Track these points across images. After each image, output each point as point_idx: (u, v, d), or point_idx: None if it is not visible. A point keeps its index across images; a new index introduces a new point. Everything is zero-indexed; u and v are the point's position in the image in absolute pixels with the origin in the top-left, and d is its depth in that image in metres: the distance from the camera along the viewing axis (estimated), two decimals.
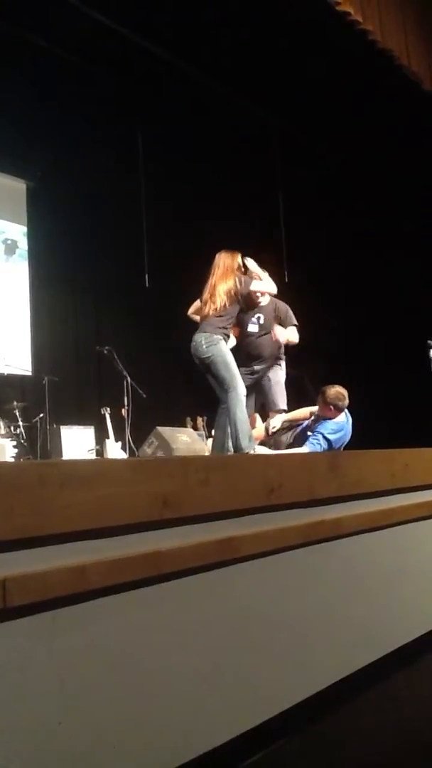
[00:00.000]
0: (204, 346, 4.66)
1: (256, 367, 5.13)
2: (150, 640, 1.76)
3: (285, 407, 5.14)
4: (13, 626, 1.47)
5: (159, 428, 5.87)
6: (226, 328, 4.77)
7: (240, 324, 5.07)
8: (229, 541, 2.00)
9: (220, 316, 4.73)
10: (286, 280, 8.30)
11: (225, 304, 4.72)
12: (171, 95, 7.23)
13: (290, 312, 5.22)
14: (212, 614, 1.94)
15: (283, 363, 5.26)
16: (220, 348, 4.67)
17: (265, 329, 5.13)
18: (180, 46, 6.50)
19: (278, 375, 5.21)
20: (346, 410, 4.84)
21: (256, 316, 5.12)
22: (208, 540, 1.93)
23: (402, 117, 7.05)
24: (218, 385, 4.69)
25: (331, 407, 4.74)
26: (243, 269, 4.90)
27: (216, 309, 4.72)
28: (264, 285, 4.98)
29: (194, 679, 1.84)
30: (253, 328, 5.13)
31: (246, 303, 4.89)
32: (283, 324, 5.16)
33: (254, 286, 4.88)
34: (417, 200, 8.05)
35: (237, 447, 4.55)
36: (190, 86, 7.05)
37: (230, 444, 4.67)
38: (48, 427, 6.42)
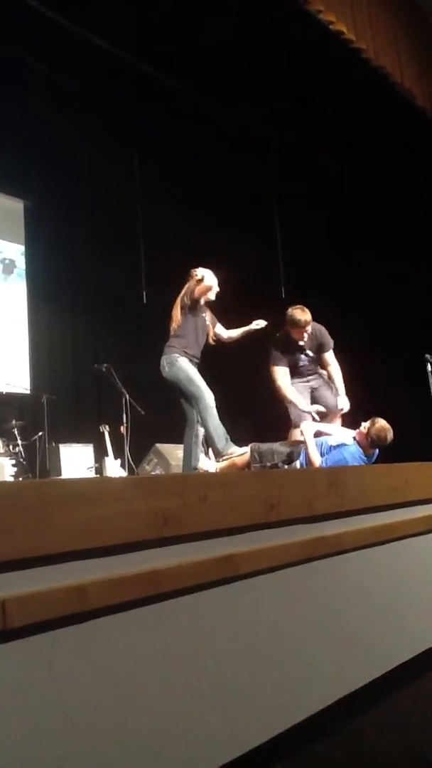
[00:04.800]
0: (166, 369, 4.83)
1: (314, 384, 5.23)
2: (151, 659, 1.75)
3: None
4: (14, 647, 1.46)
5: (158, 445, 5.87)
6: (185, 347, 4.84)
7: (291, 364, 5.11)
8: (229, 559, 1.99)
9: (177, 335, 4.86)
10: (283, 295, 8.35)
11: (177, 318, 4.86)
12: (167, 115, 7.30)
13: (326, 334, 5.20)
14: (213, 632, 1.93)
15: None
16: (180, 365, 4.79)
17: (312, 360, 5.19)
18: (176, 65, 6.57)
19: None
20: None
21: (303, 353, 5.14)
22: (208, 558, 1.93)
23: (395, 132, 7.11)
24: (186, 401, 4.82)
25: (370, 439, 4.51)
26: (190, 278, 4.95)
27: (173, 327, 4.89)
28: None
29: (196, 699, 1.83)
30: (304, 363, 5.16)
31: (192, 305, 4.88)
32: (323, 348, 5.18)
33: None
34: (413, 212, 8.09)
35: (216, 452, 4.66)
36: (187, 105, 7.12)
37: (199, 462, 4.76)
38: (47, 445, 6.41)
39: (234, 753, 1.84)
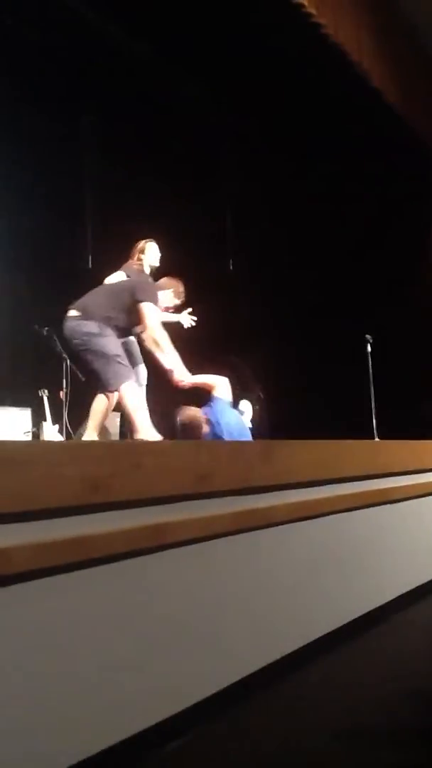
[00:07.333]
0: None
1: None
2: (75, 624, 1.75)
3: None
4: None
5: None
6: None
7: None
8: (157, 527, 1.99)
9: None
10: (231, 268, 8.36)
11: None
12: (118, 86, 7.09)
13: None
14: (139, 600, 1.94)
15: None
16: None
17: None
18: (132, 24, 6.38)
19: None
20: None
21: None
22: (137, 526, 1.93)
23: (352, 113, 7.11)
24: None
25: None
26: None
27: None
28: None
29: (118, 665, 1.84)
30: None
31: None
32: None
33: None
34: (362, 198, 8.16)
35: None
36: (136, 79, 6.95)
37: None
38: None
39: (149, 721, 1.87)
